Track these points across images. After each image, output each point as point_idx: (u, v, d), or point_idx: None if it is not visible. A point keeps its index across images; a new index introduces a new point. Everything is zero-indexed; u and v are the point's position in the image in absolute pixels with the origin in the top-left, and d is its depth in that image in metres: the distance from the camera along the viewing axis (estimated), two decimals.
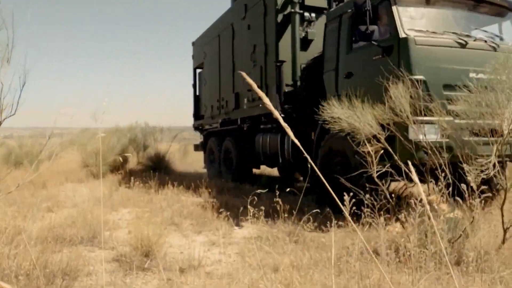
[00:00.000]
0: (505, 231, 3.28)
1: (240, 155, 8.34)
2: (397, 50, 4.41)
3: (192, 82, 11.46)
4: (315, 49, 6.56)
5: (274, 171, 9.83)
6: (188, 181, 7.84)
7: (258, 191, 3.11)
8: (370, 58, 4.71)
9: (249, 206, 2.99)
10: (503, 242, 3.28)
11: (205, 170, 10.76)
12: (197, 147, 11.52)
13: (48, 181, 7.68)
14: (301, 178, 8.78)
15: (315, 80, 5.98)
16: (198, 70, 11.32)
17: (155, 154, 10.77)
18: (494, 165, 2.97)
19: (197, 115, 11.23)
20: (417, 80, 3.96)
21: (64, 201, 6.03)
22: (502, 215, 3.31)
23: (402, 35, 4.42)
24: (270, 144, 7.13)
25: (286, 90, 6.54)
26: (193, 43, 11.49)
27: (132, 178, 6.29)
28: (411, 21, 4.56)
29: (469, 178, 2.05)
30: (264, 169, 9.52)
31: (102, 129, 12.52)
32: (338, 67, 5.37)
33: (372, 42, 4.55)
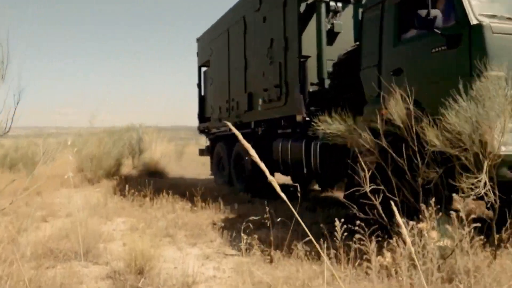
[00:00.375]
0: (496, 247, 3.31)
1: (254, 162, 7.70)
2: (467, 40, 3.65)
3: (196, 81, 10.62)
4: (342, 43, 5.97)
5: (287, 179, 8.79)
6: (183, 188, 7.84)
7: (252, 217, 3.10)
8: (427, 50, 3.93)
9: (242, 234, 2.98)
10: (494, 258, 3.31)
11: (201, 176, 10.69)
12: (202, 152, 10.62)
13: (43, 187, 7.65)
14: (318, 188, 8.13)
15: (348, 78, 5.23)
16: (203, 69, 10.55)
17: (150, 158, 10.73)
18: (484, 184, 2.96)
19: (202, 117, 10.42)
20: (497, 77, 3.29)
21: (59, 209, 6.01)
22: (493, 231, 3.34)
23: (473, 21, 3.64)
24: (292, 152, 6.30)
25: (311, 90, 5.88)
26: (198, 39, 10.61)
27: (127, 185, 6.27)
28: (481, 5, 3.77)
29: (458, 206, 2.05)
30: (281, 178, 8.60)
31: (101, 128, 12.43)
32: (381, 62, 4.60)
33: (435, 30, 3.73)
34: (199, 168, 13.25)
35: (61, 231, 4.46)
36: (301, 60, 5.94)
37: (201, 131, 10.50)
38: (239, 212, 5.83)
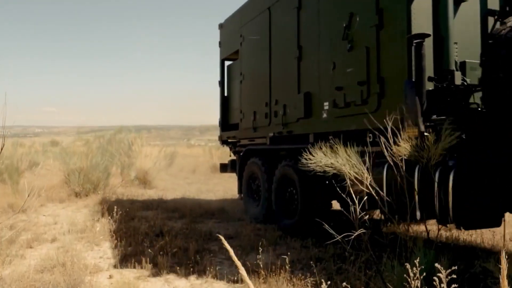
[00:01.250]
0: None
1: (311, 192, 5.42)
2: None
3: (218, 78, 8.58)
4: (468, 16, 4.14)
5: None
6: (173, 205, 7.78)
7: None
8: None
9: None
10: None
11: (191, 185, 10.56)
12: (225, 168, 8.30)
13: (28, 202, 7.50)
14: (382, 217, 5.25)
15: None
16: (227, 62, 8.50)
17: (140, 169, 10.60)
18: None
19: (225, 123, 8.27)
20: None
21: (44, 232, 5.89)
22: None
23: None
24: (396, 183, 3.62)
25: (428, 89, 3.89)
26: (221, 26, 8.38)
27: (115, 207, 6.17)
28: None
29: (441, 275, 2.01)
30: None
31: (90, 127, 12.26)
32: None
33: None
34: (189, 176, 13.20)
35: (45, 262, 4.36)
36: (416, 41, 3.77)
37: (224, 141, 8.33)
38: (229, 233, 5.77)
